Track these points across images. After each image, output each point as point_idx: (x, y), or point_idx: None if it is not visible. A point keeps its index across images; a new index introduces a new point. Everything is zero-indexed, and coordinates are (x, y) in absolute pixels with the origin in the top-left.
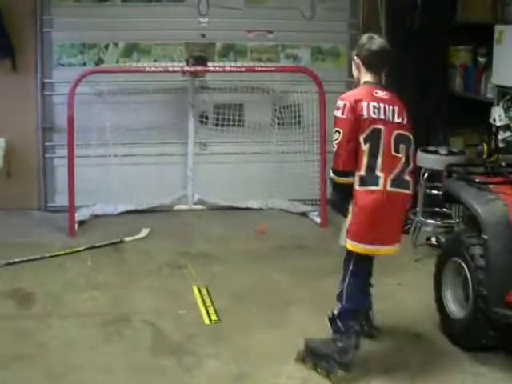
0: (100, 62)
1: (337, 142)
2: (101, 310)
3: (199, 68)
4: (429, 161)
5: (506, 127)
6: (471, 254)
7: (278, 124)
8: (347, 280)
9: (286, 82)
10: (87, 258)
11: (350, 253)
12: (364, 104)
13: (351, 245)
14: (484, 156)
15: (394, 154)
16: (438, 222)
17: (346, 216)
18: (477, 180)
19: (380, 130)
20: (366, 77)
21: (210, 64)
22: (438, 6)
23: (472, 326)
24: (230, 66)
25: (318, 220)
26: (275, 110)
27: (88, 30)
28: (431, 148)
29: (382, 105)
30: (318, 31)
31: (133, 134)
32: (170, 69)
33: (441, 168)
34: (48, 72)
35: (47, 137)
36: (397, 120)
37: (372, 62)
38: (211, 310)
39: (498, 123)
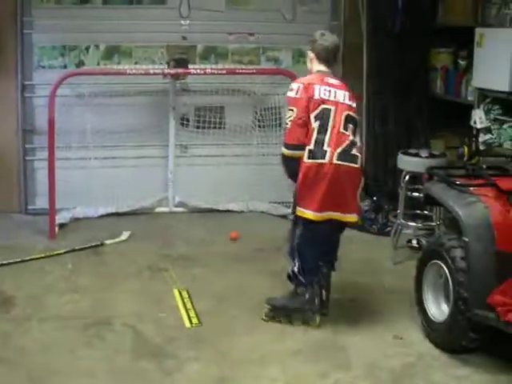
0: (81, 64)
1: (290, 119)
2: (81, 314)
3: (180, 70)
4: (410, 163)
5: (487, 130)
6: (452, 257)
7: (259, 126)
8: (296, 241)
9: (267, 84)
10: (68, 261)
11: (298, 218)
12: (316, 86)
13: (299, 211)
14: (465, 158)
15: (341, 131)
16: (419, 225)
17: None
18: (457, 182)
19: (330, 109)
20: (319, 68)
21: (190, 66)
22: (419, 9)
23: (453, 328)
24: (211, 69)
25: None
26: (256, 113)
27: (69, 31)
28: (412, 150)
29: (332, 89)
30: (299, 34)
31: (113, 136)
32: (151, 71)
33: (422, 170)
34: (28, 74)
35: (27, 139)
36: (347, 102)
37: (324, 55)
38: (192, 313)
39: (478, 126)
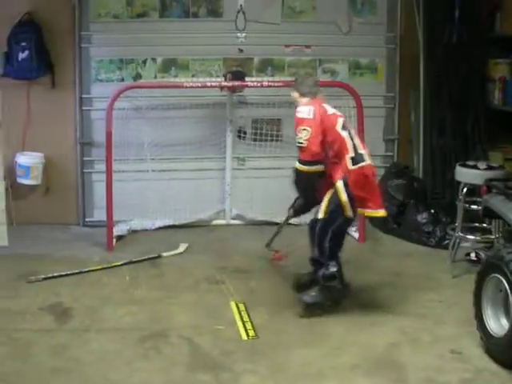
0: (138, 77)
1: (306, 138)
2: (138, 326)
3: (237, 83)
4: (468, 175)
5: None
6: None
7: None
8: (330, 243)
9: (324, 96)
10: (125, 273)
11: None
12: (324, 105)
13: (361, 211)
14: None
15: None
16: (478, 238)
17: (310, 200)
18: None
19: (345, 121)
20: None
21: (247, 79)
22: (476, 19)
23: None
24: (268, 81)
25: (357, 235)
26: None
27: (126, 45)
28: (470, 163)
29: (329, 106)
30: (355, 45)
31: (171, 149)
32: (208, 84)
33: (480, 183)
34: (86, 87)
35: (85, 152)
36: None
37: (307, 91)
38: (249, 326)
39: None
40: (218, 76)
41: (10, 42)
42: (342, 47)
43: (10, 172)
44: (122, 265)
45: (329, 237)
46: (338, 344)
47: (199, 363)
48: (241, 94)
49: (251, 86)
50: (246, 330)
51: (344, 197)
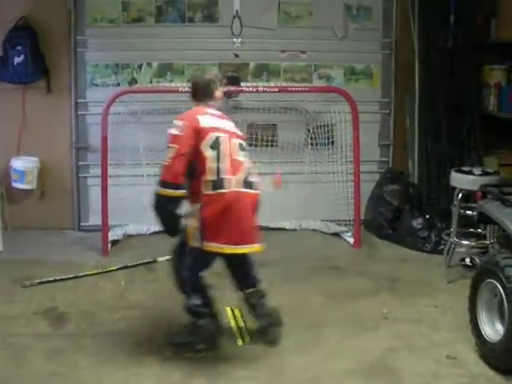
0: (133, 82)
1: (170, 156)
2: (134, 330)
3: (232, 88)
4: (463, 181)
5: None
6: (507, 275)
7: (311, 144)
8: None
9: (319, 102)
10: (120, 277)
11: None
12: (199, 117)
13: (206, 245)
14: None
15: (237, 158)
16: (473, 243)
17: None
18: None
19: (222, 137)
20: (198, 104)
21: (243, 84)
22: (471, 24)
23: (508, 348)
24: (264, 87)
25: (352, 240)
26: (308, 131)
27: (122, 50)
28: (465, 168)
29: (218, 118)
30: (350, 51)
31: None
32: None
33: (475, 188)
34: (82, 92)
35: (81, 156)
36: (233, 130)
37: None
38: (244, 332)
39: None
40: None
41: (6, 46)
42: (338, 53)
43: (5, 176)
44: (117, 269)
45: (186, 266)
46: (334, 349)
47: (195, 369)
48: (236, 99)
49: (247, 92)
50: (241, 336)
51: (192, 223)
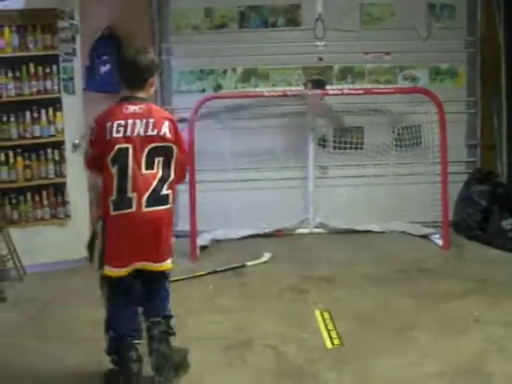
0: (218, 87)
1: (86, 161)
2: (223, 334)
3: (317, 91)
4: None
5: None
6: None
7: (398, 146)
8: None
9: (405, 103)
10: (209, 282)
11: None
12: (107, 124)
13: (108, 270)
14: None
15: (145, 172)
16: None
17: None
18: None
19: (126, 148)
20: (124, 93)
21: (328, 87)
22: None
23: None
24: (348, 89)
25: (440, 242)
26: (394, 132)
27: (206, 56)
28: None
29: (130, 121)
30: (434, 51)
31: (252, 158)
32: (289, 93)
33: None
34: (168, 99)
35: None
36: (151, 133)
37: (126, 76)
38: (333, 334)
39: None
40: (298, 85)
41: (92, 56)
42: (422, 53)
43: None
44: (205, 274)
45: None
46: (424, 352)
47: (284, 372)
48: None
49: (332, 94)
50: (331, 339)
51: (94, 243)
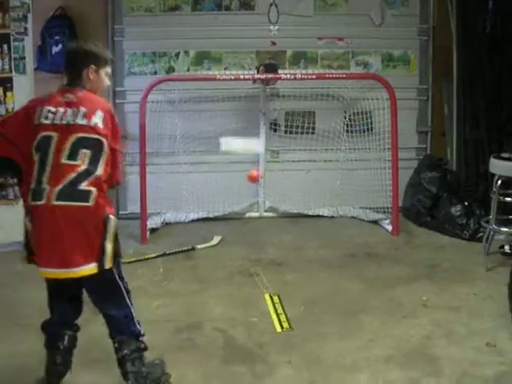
0: (171, 70)
1: None
2: (172, 318)
3: (270, 76)
4: (502, 168)
5: None
6: None
7: (349, 131)
8: None
9: (357, 89)
10: (159, 265)
11: None
12: (37, 108)
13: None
14: None
15: (64, 162)
16: None
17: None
18: None
19: (50, 136)
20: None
21: (280, 71)
22: (511, 9)
23: None
24: (301, 74)
25: (390, 228)
26: (345, 118)
27: (159, 38)
28: (504, 155)
29: (60, 109)
30: (388, 38)
31: (203, 141)
32: (241, 77)
33: None
34: (120, 80)
35: None
36: (80, 122)
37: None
38: (283, 318)
39: None
40: (250, 69)
41: (44, 35)
42: (375, 39)
43: None
44: (155, 257)
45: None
46: (373, 336)
47: (234, 355)
48: (274, 86)
49: (284, 79)
50: (280, 322)
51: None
